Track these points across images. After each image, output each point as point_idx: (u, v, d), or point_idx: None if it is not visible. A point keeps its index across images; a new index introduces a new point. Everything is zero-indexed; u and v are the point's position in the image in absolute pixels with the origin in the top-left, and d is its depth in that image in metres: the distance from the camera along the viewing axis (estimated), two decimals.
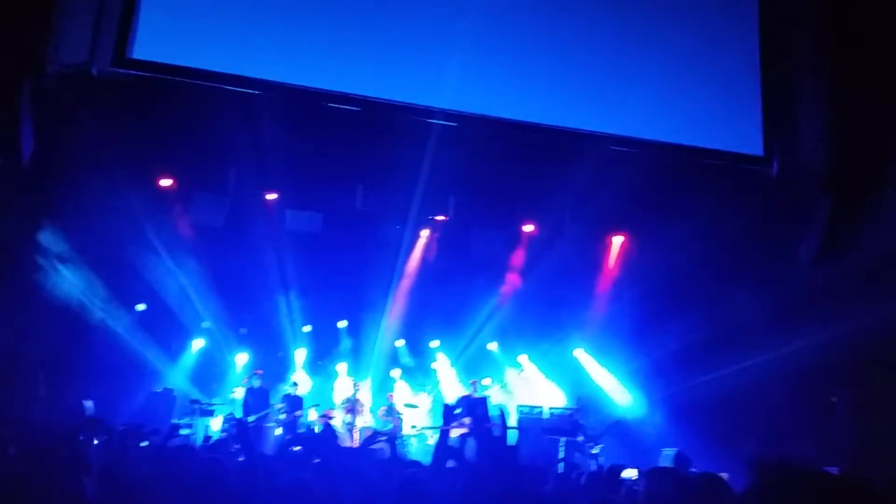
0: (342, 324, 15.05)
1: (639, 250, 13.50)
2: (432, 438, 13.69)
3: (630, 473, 5.01)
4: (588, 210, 12.52)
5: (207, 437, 11.49)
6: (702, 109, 11.28)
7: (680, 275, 12.39)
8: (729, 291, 12.13)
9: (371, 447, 7.68)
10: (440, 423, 12.79)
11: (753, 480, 1.58)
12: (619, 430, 12.13)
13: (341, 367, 14.73)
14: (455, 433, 11.82)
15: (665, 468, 4.97)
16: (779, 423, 11.49)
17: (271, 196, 13.23)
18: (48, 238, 11.01)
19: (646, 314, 13.00)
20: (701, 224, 11.69)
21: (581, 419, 12.32)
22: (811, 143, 10.65)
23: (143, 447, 6.74)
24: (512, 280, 14.10)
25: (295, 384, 12.95)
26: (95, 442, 6.89)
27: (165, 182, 12.51)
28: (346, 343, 15.07)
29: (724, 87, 11.35)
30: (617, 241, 13.91)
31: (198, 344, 14.29)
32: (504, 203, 13.05)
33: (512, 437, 12.66)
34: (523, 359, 14.79)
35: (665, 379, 12.89)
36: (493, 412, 12.30)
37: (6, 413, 9.92)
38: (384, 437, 7.00)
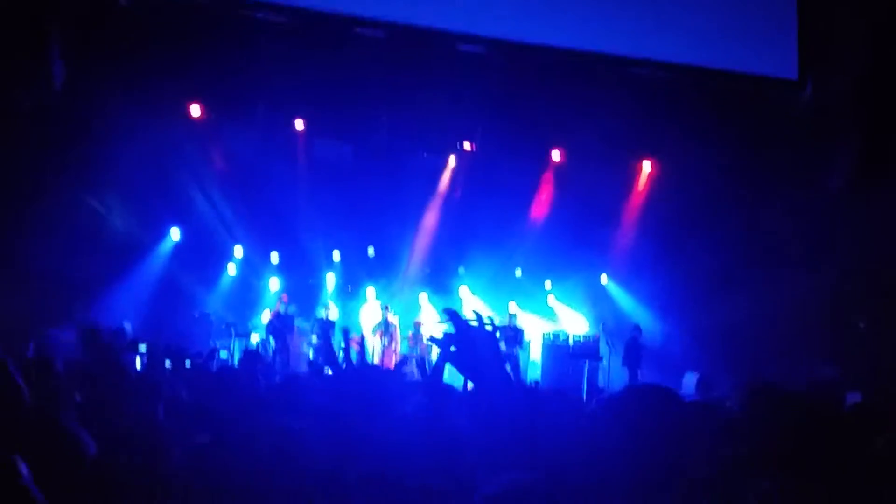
0: (371, 250, 15.29)
1: (667, 177, 13.41)
2: None
3: None
4: (617, 136, 12.41)
5: (225, 361, 11.94)
6: (736, 32, 10.98)
7: (708, 201, 12.33)
8: (757, 218, 12.06)
9: (402, 370, 7.96)
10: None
11: (744, 403, 1.64)
12: (636, 343, 12.36)
13: (370, 292, 15.06)
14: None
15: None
16: (804, 348, 11.58)
17: (300, 125, 13.30)
18: (82, 165, 11.26)
19: (673, 240, 13.00)
20: (731, 151, 11.57)
21: (608, 342, 12.58)
22: (847, 71, 10.37)
23: (187, 369, 7.06)
24: (539, 208, 14.13)
25: (327, 307, 13.29)
26: (138, 362, 7.24)
27: (195, 110, 12.64)
28: (373, 268, 15.36)
29: (760, 9, 11.01)
30: (646, 167, 13.80)
31: (232, 269, 14.69)
32: (532, 131, 12.97)
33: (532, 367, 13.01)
34: (548, 285, 14.92)
35: (691, 304, 13.00)
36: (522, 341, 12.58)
37: (46, 336, 10.38)
38: (414, 361, 7.24)
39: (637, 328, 12.63)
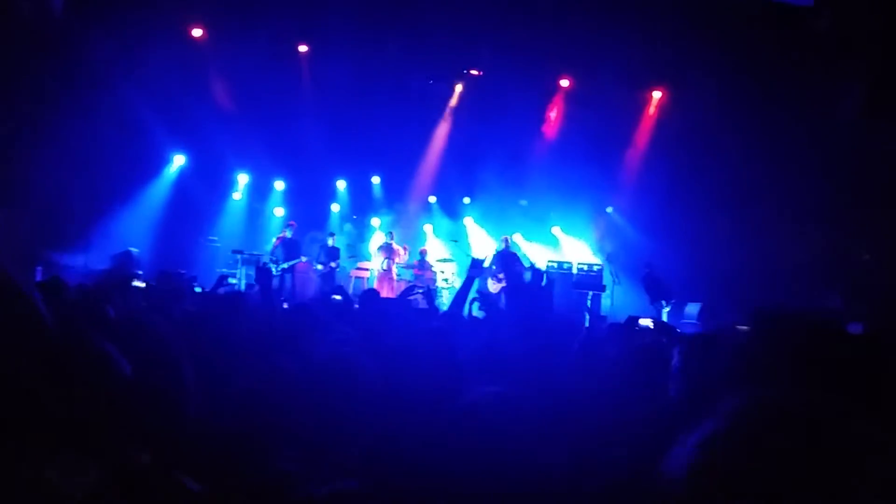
0: (376, 179, 15.25)
1: (677, 106, 13.21)
2: None
3: (646, 322, 5.23)
4: (627, 64, 12.17)
5: (251, 285, 12.02)
6: None
7: (718, 131, 12.16)
8: (766, 148, 11.93)
9: (408, 298, 8.00)
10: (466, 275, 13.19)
11: (752, 328, 1.65)
12: (651, 278, 12.42)
13: (375, 221, 15.10)
14: (493, 288, 12.20)
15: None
16: (810, 277, 11.63)
17: (303, 48, 13.05)
18: (85, 90, 11.12)
19: (680, 171, 12.90)
20: (743, 79, 11.35)
21: (612, 273, 12.63)
22: None
23: (196, 293, 7.13)
24: (546, 137, 13.98)
25: (332, 234, 13.33)
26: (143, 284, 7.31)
27: (197, 32, 12.40)
28: (380, 197, 15.35)
29: None
30: (656, 95, 13.58)
31: (237, 197, 14.69)
32: (540, 57, 12.70)
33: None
34: (553, 215, 14.91)
35: (696, 235, 12.99)
36: (526, 264, 12.63)
37: (63, 259, 10.46)
38: (420, 290, 7.26)
39: (649, 264, 12.64)
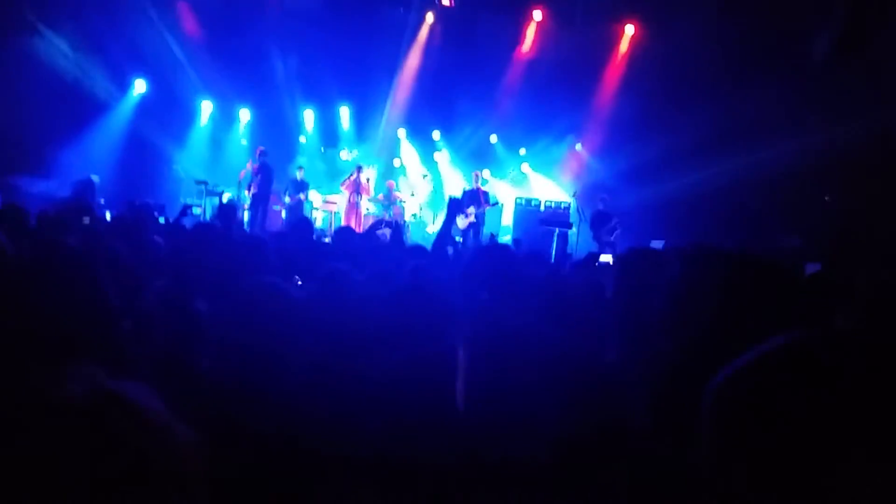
0: (344, 110, 14.97)
1: (649, 41, 13.09)
2: (431, 227, 14.20)
3: (606, 258, 5.34)
4: None
5: (215, 217, 11.86)
6: None
7: (689, 68, 12.12)
8: (738, 88, 11.94)
9: (375, 233, 8.01)
10: (443, 212, 13.25)
11: (682, 267, 1.66)
12: (600, 212, 12.58)
13: (344, 154, 14.90)
14: (461, 223, 12.23)
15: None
16: (770, 217, 11.86)
17: None
18: (42, 13, 10.65)
19: (651, 108, 12.89)
20: (717, 16, 11.26)
21: (579, 210, 12.70)
22: None
23: (160, 224, 7.02)
24: (516, 70, 13.80)
25: (300, 167, 13.10)
26: (109, 215, 7.17)
27: None
28: (349, 129, 15.11)
29: None
30: (628, 30, 13.42)
31: (201, 126, 14.32)
32: None
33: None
34: (522, 151, 14.86)
35: (663, 174, 13.08)
36: (493, 201, 12.66)
37: (20, 186, 10.16)
38: (386, 224, 7.27)
39: (604, 198, 12.73)
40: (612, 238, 12.23)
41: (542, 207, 13.60)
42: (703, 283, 1.48)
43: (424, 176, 14.61)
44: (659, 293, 1.58)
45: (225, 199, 12.17)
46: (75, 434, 0.69)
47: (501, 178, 14.62)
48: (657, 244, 11.82)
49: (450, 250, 7.40)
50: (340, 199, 13.35)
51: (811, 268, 8.00)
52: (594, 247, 12.00)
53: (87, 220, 5.39)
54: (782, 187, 11.86)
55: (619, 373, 1.80)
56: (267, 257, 3.91)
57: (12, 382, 0.71)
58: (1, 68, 9.97)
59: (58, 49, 11.13)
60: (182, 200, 11.93)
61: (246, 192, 12.30)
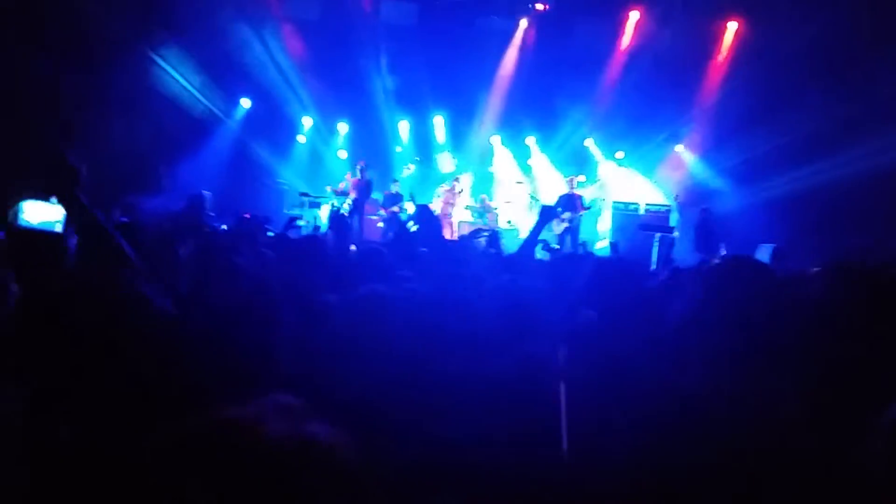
0: (439, 119, 15.11)
1: (754, 38, 12.55)
2: (525, 233, 14.11)
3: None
4: None
5: (317, 227, 12.19)
6: None
7: (794, 64, 11.56)
8: (846, 81, 11.29)
9: (473, 242, 8.01)
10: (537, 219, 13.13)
11: (829, 284, 1.56)
12: (706, 221, 12.05)
13: (440, 163, 15.05)
14: (557, 229, 12.11)
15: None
16: (882, 220, 11.14)
17: None
18: (152, 35, 11.24)
19: (754, 107, 12.35)
20: (825, 9, 10.69)
21: (681, 214, 12.30)
22: None
23: (269, 236, 7.27)
24: (614, 72, 13.53)
25: (395, 181, 13.29)
26: (224, 227, 7.48)
27: None
28: (444, 138, 15.24)
29: None
30: (731, 27, 12.92)
31: (301, 140, 14.80)
32: None
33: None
34: (620, 155, 14.59)
35: (768, 173, 12.54)
36: (587, 205, 12.46)
37: (137, 202, 10.75)
38: (485, 233, 7.23)
39: (706, 209, 12.22)
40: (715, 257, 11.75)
41: (642, 211, 13.25)
42: (851, 304, 1.39)
43: (519, 182, 14.54)
44: (765, 311, 1.49)
45: (345, 206, 12.48)
46: (280, 478, 0.70)
47: (591, 183, 14.38)
48: (766, 248, 11.37)
49: (545, 255, 7.31)
50: (436, 207, 13.46)
51: None
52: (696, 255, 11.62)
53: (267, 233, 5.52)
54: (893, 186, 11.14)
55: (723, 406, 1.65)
56: (381, 264, 3.97)
57: (209, 416, 0.73)
58: (119, 95, 10.59)
59: (170, 73, 11.74)
60: (286, 212, 12.34)
61: (345, 203, 12.61)
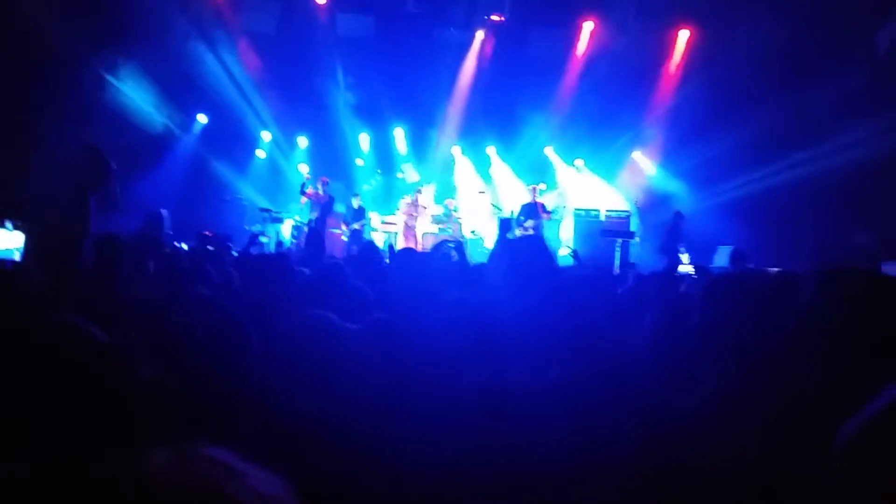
0: (399, 131, 15.10)
1: (705, 45, 12.83)
2: (489, 242, 14.18)
3: (686, 269, 5.15)
4: (654, 1, 11.83)
5: (279, 243, 12.07)
6: None
7: (746, 68, 11.83)
8: (797, 85, 11.60)
9: (441, 252, 7.99)
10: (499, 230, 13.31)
11: (815, 287, 1.58)
12: (678, 225, 12.22)
13: (401, 175, 15.03)
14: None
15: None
16: (841, 216, 11.43)
17: (322, 0, 12.83)
18: (105, 51, 11.03)
19: (708, 111, 12.61)
20: (775, 13, 10.98)
21: (640, 219, 12.45)
22: None
23: (233, 255, 7.16)
24: (571, 80, 13.70)
25: (356, 195, 13.19)
26: (185, 246, 7.35)
27: None
28: (404, 150, 15.23)
29: None
30: (683, 35, 13.19)
31: (260, 154, 14.65)
32: None
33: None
34: (579, 163, 14.75)
35: (724, 176, 12.80)
36: (551, 211, 12.56)
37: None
38: (451, 244, 7.23)
39: (678, 213, 12.38)
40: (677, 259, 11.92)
41: (603, 217, 13.40)
42: (842, 304, 1.41)
43: (481, 192, 14.60)
44: (758, 318, 1.51)
45: (287, 226, 12.35)
46: None
47: (552, 191, 14.50)
48: (725, 250, 11.57)
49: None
50: (398, 220, 13.42)
51: (887, 267, 7.69)
52: (656, 257, 11.79)
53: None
54: (852, 184, 11.44)
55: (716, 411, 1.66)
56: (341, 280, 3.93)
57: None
58: (73, 112, 10.36)
59: (124, 90, 11.53)
60: (248, 228, 12.18)
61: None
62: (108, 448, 1.24)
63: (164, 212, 11.42)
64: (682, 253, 11.84)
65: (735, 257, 11.65)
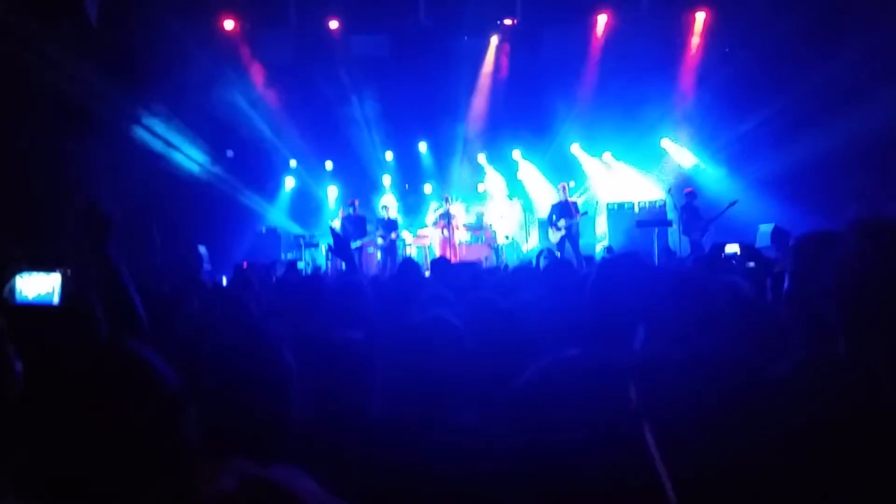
0: (423, 146, 15.15)
1: (723, 24, 12.64)
2: (525, 245, 14.13)
3: (733, 248, 5.02)
4: None
5: (317, 268, 12.18)
6: None
7: (768, 48, 11.62)
8: (824, 58, 11.34)
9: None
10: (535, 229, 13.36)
11: (853, 241, 1.49)
12: (690, 205, 12.09)
13: (428, 188, 15.06)
14: (553, 237, 12.12)
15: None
16: (880, 188, 11.12)
17: (334, 24, 12.96)
18: (128, 96, 11.28)
19: (734, 91, 12.40)
20: None
21: (676, 206, 12.26)
22: None
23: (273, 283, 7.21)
24: (591, 75, 13.60)
25: (385, 207, 13.24)
26: (224, 279, 7.43)
27: (229, 24, 12.46)
28: (429, 164, 15.27)
29: None
30: (700, 17, 13.01)
31: (290, 182, 14.83)
32: None
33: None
34: (607, 156, 14.62)
35: (757, 155, 12.57)
36: (583, 210, 12.45)
37: (134, 264, 10.70)
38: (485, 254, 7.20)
39: (690, 193, 12.24)
40: (702, 238, 11.77)
41: (637, 209, 13.25)
42: (886, 257, 1.34)
43: (511, 197, 14.56)
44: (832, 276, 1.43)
45: (324, 249, 12.44)
46: None
47: (581, 187, 14.40)
48: (766, 228, 11.34)
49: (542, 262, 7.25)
50: (432, 233, 13.43)
51: None
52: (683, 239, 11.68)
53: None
54: (883, 155, 11.14)
55: (796, 381, 1.58)
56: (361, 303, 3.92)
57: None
58: (106, 160, 10.61)
59: (154, 134, 11.79)
60: (284, 256, 12.32)
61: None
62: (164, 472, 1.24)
63: (203, 249, 11.67)
64: (705, 231, 11.72)
65: (776, 235, 11.44)
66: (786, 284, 2.07)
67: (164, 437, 1.32)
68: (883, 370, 1.29)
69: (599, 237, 13.67)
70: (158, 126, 11.84)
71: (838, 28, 11.10)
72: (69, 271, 2.19)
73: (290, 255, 12.34)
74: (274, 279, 7.41)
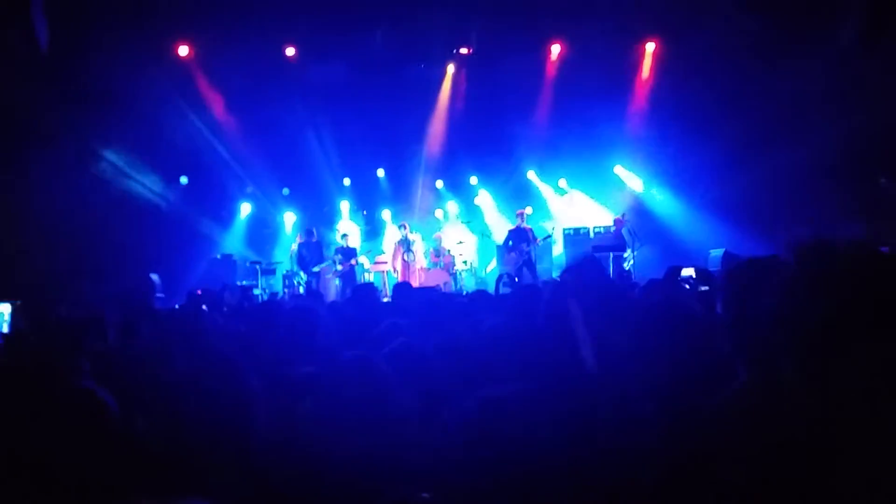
0: (380, 172, 15.17)
1: (672, 54, 13.04)
2: (484, 271, 14.22)
3: (688, 272, 5.14)
4: (617, 17, 12.03)
5: (273, 294, 12.04)
6: None
7: (717, 74, 12.03)
8: (770, 83, 11.76)
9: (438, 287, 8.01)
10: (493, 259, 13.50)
11: (795, 264, 1.56)
12: (619, 231, 12.47)
13: (386, 215, 15.05)
14: (510, 263, 12.23)
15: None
16: (827, 210, 11.52)
17: (290, 51, 12.98)
18: (81, 122, 11.11)
19: (684, 118, 12.77)
20: (736, 16, 11.19)
21: (630, 231, 12.51)
22: None
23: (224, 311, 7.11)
24: (545, 104, 13.85)
25: (345, 235, 13.18)
26: (177, 306, 7.30)
27: (183, 50, 12.38)
28: (386, 190, 15.29)
29: None
30: (649, 47, 13.40)
31: (245, 209, 14.68)
32: (529, 24, 12.56)
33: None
34: (563, 183, 14.84)
35: (707, 180, 12.95)
36: (541, 235, 12.62)
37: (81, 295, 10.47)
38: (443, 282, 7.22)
39: (619, 220, 12.63)
40: (628, 268, 12.09)
41: (592, 234, 13.48)
42: (822, 277, 1.39)
43: (468, 223, 14.63)
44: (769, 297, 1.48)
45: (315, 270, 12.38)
46: None
47: (539, 214, 14.58)
48: (716, 252, 11.61)
49: (505, 290, 7.31)
50: (390, 259, 13.39)
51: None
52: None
53: None
54: (833, 175, 11.56)
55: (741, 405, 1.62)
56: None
57: None
58: (62, 187, 10.44)
59: (106, 160, 11.62)
60: (240, 282, 12.16)
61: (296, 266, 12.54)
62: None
63: (155, 276, 11.46)
64: (634, 252, 12.05)
65: (726, 260, 11.73)
66: (719, 310, 2.14)
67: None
68: (830, 389, 1.34)
69: (556, 263, 13.83)
70: (110, 153, 11.68)
71: (781, 59, 11.55)
72: (19, 302, 2.16)
73: (244, 282, 12.17)
74: (224, 307, 7.29)
